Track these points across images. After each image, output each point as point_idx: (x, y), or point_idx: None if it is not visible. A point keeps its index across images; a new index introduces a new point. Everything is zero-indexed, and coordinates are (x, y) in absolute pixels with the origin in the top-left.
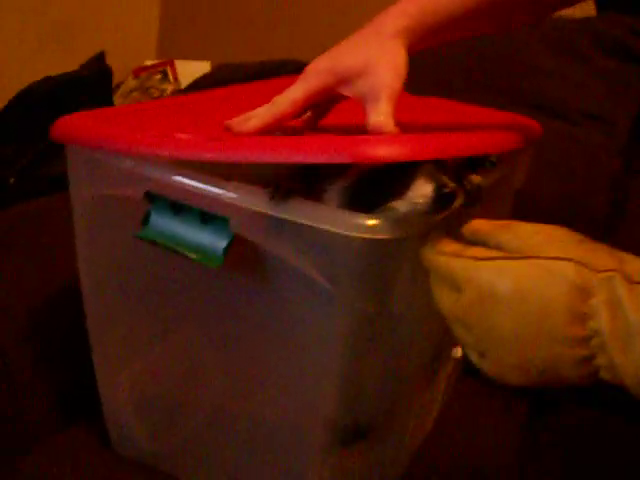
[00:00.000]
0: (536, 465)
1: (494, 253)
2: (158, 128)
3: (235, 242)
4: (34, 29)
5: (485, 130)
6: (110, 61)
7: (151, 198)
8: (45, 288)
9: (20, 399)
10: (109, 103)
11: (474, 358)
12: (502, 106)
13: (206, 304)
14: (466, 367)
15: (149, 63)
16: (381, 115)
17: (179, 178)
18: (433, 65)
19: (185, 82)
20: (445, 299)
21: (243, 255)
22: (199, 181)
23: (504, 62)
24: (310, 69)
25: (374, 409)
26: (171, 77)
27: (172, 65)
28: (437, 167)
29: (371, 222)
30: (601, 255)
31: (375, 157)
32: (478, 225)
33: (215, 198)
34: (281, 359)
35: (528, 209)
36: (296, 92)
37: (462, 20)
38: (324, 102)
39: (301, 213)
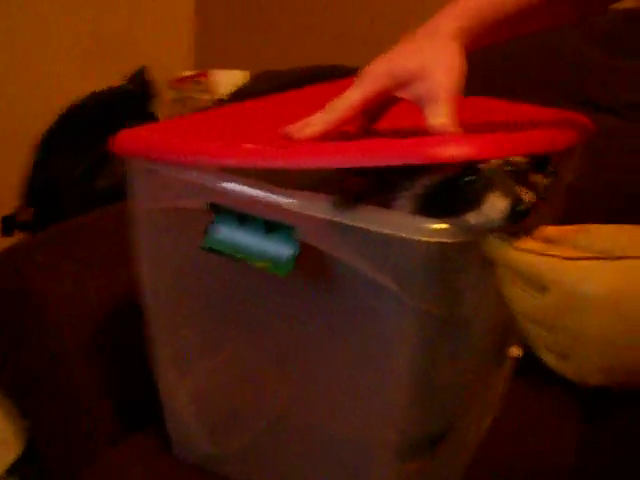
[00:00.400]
0: (597, 466)
1: (582, 253)
2: (220, 138)
3: (302, 250)
4: (79, 45)
5: (542, 128)
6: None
7: (216, 209)
8: (106, 299)
9: (83, 410)
10: (151, 116)
11: (552, 360)
12: (550, 102)
13: (271, 312)
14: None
15: (186, 74)
16: (441, 117)
17: (244, 188)
18: (477, 63)
19: (222, 92)
20: (524, 299)
21: (310, 262)
22: (263, 190)
23: (551, 57)
24: (367, 72)
25: (444, 418)
26: (209, 87)
27: (209, 75)
28: (512, 177)
29: (438, 226)
30: None
31: (447, 157)
32: (551, 232)
33: (279, 207)
34: (349, 367)
35: (578, 203)
36: (354, 96)
37: (518, 17)
38: (378, 106)
39: (367, 219)
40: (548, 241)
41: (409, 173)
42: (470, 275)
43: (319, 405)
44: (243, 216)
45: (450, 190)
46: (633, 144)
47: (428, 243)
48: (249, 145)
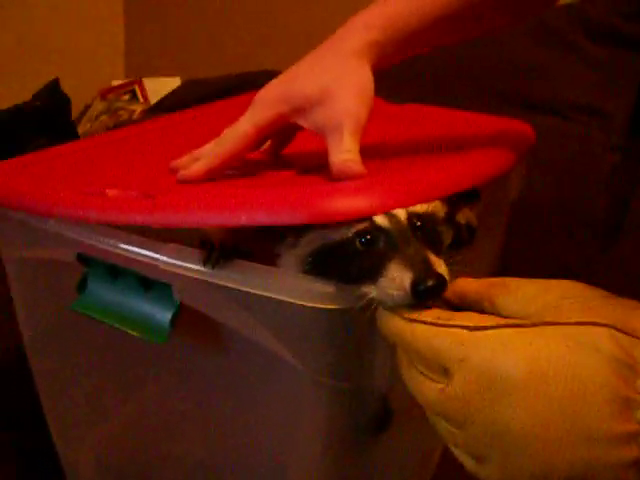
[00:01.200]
0: None
1: (495, 320)
2: (91, 178)
3: (182, 312)
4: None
5: (472, 152)
6: (75, 84)
7: (85, 261)
8: None
9: None
10: (71, 131)
11: (468, 463)
12: (492, 106)
13: (156, 375)
14: None
15: (116, 83)
16: (345, 152)
17: (109, 240)
18: (417, 70)
19: (155, 100)
20: (425, 386)
21: (192, 326)
22: (132, 244)
23: (490, 61)
24: (260, 98)
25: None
26: (140, 96)
27: (140, 84)
28: (425, 234)
29: (327, 289)
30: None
31: (336, 214)
32: (464, 285)
33: (153, 263)
34: (250, 432)
35: (525, 218)
36: (244, 126)
37: (434, 28)
38: (279, 133)
39: (243, 279)
40: (462, 299)
41: (299, 228)
42: (379, 342)
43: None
44: (116, 270)
45: (343, 252)
46: (578, 148)
47: (315, 309)
48: (112, 192)
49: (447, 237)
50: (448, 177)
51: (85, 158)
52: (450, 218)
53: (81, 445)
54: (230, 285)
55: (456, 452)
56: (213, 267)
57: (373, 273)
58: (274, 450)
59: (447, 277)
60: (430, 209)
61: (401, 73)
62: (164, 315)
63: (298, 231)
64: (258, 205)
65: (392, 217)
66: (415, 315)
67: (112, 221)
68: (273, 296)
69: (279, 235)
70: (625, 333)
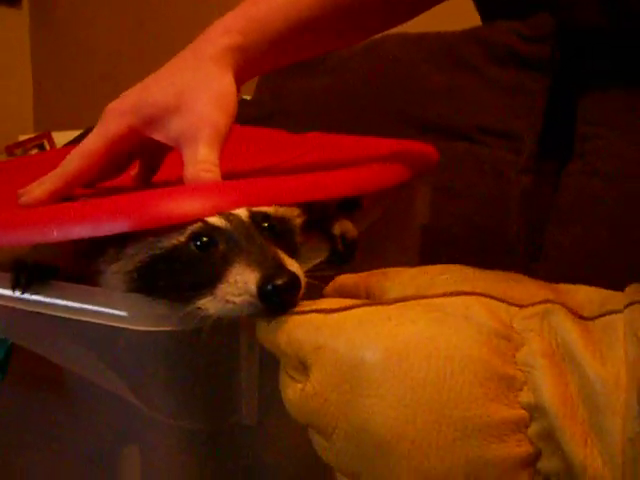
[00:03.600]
0: None
1: (354, 301)
2: None
3: (15, 353)
4: None
5: (352, 168)
6: None
7: None
8: None
9: None
10: None
11: None
12: (400, 133)
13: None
14: None
15: (23, 138)
16: (199, 163)
17: None
18: (317, 96)
19: None
20: (289, 389)
21: (28, 370)
22: None
23: (392, 86)
24: (109, 110)
25: None
26: (49, 149)
27: (49, 137)
28: (271, 243)
29: (158, 308)
30: (525, 285)
31: (160, 217)
32: (343, 279)
33: None
34: None
35: (440, 244)
36: (91, 142)
37: (301, 33)
38: (148, 148)
39: (60, 302)
40: (340, 294)
41: (122, 239)
42: (241, 368)
43: None
44: None
45: (176, 260)
46: (488, 171)
47: (148, 332)
48: None
49: (320, 251)
50: (302, 185)
51: None
52: (324, 229)
53: None
54: (47, 312)
55: (337, 476)
56: (23, 291)
57: (212, 282)
58: None
59: (302, 278)
60: (280, 212)
61: (306, 103)
62: None
63: (121, 243)
64: (70, 217)
65: (230, 216)
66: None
67: None
68: (96, 321)
69: (100, 250)
70: (502, 301)
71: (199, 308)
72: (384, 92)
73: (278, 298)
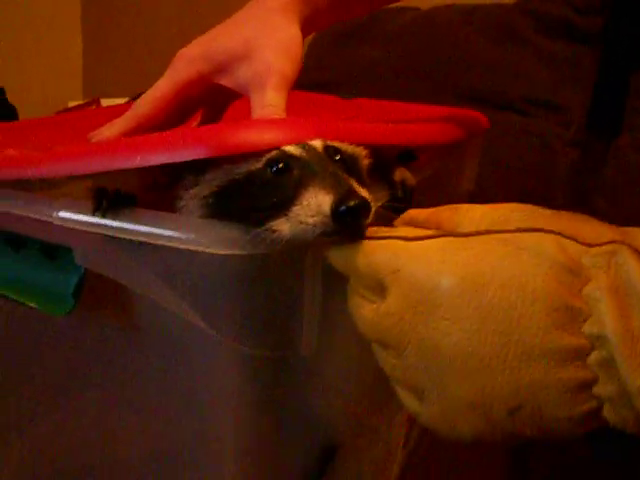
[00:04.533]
0: None
1: (434, 231)
2: None
3: (88, 280)
4: None
5: (412, 123)
6: (31, 106)
7: None
8: None
9: None
10: None
11: (411, 404)
12: (444, 103)
13: (70, 354)
14: None
15: (73, 104)
16: (267, 107)
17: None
18: (365, 67)
19: None
20: (362, 309)
21: (99, 296)
22: (24, 201)
23: (441, 58)
24: (180, 56)
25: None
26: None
27: (98, 104)
28: (345, 167)
29: (233, 232)
30: (593, 225)
31: (240, 145)
32: (414, 214)
33: (47, 223)
34: (173, 416)
35: None
36: (161, 87)
37: None
38: (212, 97)
39: (138, 226)
40: (409, 225)
41: (200, 166)
42: (304, 298)
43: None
44: (17, 241)
45: (252, 185)
46: (536, 143)
47: (221, 256)
48: (10, 152)
49: (380, 196)
50: (372, 129)
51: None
52: (384, 176)
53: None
54: (125, 236)
55: (399, 392)
56: (103, 215)
57: (286, 204)
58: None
59: (372, 203)
60: (350, 150)
61: (354, 74)
62: (68, 284)
63: (199, 170)
64: (153, 144)
65: (306, 146)
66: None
67: (7, 177)
68: (172, 245)
69: (179, 177)
70: (572, 239)
71: (273, 230)
72: (433, 64)
73: (350, 219)
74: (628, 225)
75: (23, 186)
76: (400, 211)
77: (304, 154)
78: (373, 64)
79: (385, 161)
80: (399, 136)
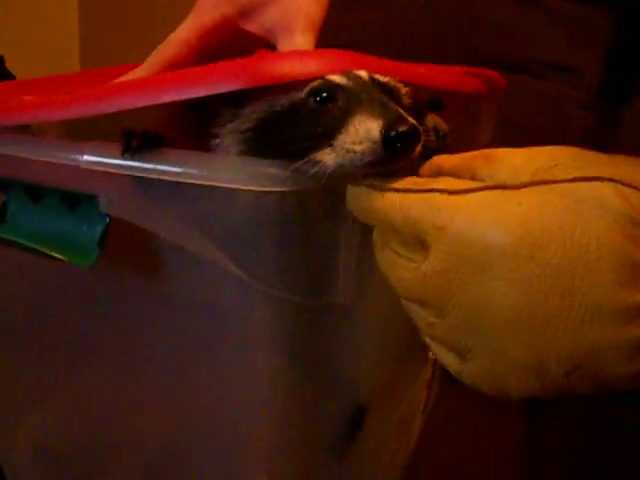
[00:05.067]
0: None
1: (478, 183)
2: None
3: (112, 229)
4: None
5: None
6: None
7: (2, 188)
8: None
9: None
10: None
11: (451, 362)
12: (457, 64)
13: (99, 321)
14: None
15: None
16: (297, 48)
17: (15, 146)
18: (374, 30)
19: None
20: (400, 268)
21: (124, 246)
22: (41, 147)
23: (451, 20)
24: None
25: (344, 417)
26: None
27: None
28: (388, 97)
29: (272, 168)
30: None
31: (283, 74)
32: (442, 160)
33: (72, 169)
34: (202, 375)
35: None
36: (186, 29)
37: None
38: (237, 45)
39: (169, 166)
40: (438, 174)
41: (238, 100)
42: (340, 243)
43: (181, 425)
44: (36, 190)
45: (295, 117)
46: (550, 106)
47: (259, 193)
48: (28, 98)
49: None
50: (408, 66)
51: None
52: (418, 118)
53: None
54: (156, 177)
55: (437, 350)
56: (132, 155)
57: (331, 133)
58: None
59: (420, 129)
60: (394, 84)
61: (363, 37)
62: (92, 234)
63: (238, 104)
64: (187, 77)
65: (352, 75)
66: (388, 184)
67: (28, 119)
68: (205, 183)
69: (214, 112)
70: (634, 188)
71: (316, 161)
72: (443, 25)
73: (401, 146)
74: None
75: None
76: (439, 153)
77: (350, 83)
78: (382, 27)
79: (417, 106)
80: (435, 80)
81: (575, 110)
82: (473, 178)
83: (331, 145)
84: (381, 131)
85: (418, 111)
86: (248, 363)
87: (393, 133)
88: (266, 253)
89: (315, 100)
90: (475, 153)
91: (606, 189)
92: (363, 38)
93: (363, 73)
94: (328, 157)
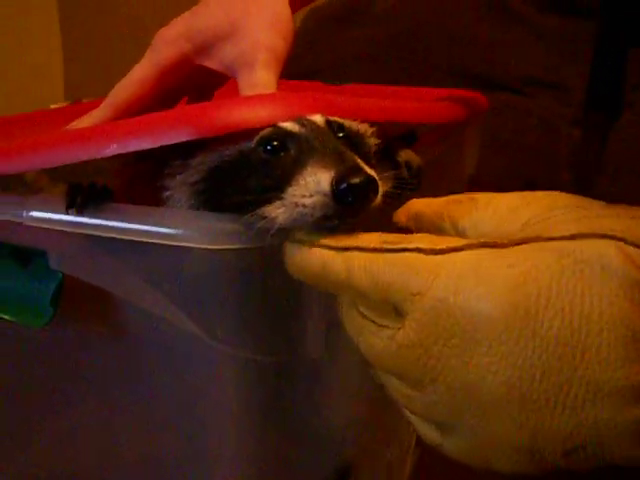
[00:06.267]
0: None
1: (461, 240)
2: None
3: (67, 287)
4: None
5: (413, 101)
6: (16, 106)
7: None
8: None
9: None
10: None
11: (429, 435)
12: (440, 84)
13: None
14: None
15: (54, 107)
16: (257, 86)
17: None
18: (357, 48)
19: None
20: (370, 334)
21: (80, 304)
22: None
23: (435, 37)
24: (160, 36)
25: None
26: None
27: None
28: (350, 145)
29: (226, 224)
30: None
31: (229, 124)
32: (420, 205)
33: (17, 225)
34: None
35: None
36: (141, 70)
37: None
38: (196, 82)
39: (118, 223)
40: (416, 222)
41: (188, 150)
42: (306, 294)
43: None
44: None
45: (244, 167)
46: (537, 124)
47: (212, 252)
48: None
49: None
50: (376, 105)
51: None
52: (388, 155)
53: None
54: (103, 234)
55: (413, 420)
56: (78, 212)
57: (281, 186)
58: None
59: (379, 182)
60: (355, 127)
61: (347, 55)
62: (45, 292)
63: (186, 155)
64: (133, 127)
65: (305, 121)
66: (350, 241)
67: None
68: (157, 241)
69: (164, 163)
70: (635, 245)
71: (263, 216)
72: (427, 43)
73: (354, 200)
74: (631, 202)
75: None
76: (413, 189)
77: (303, 130)
78: (364, 47)
79: (387, 141)
80: (403, 113)
81: (564, 126)
82: (455, 226)
83: (281, 198)
84: (332, 183)
85: (388, 149)
86: (218, 421)
87: (344, 185)
88: (226, 310)
89: (265, 150)
90: (456, 198)
91: (609, 248)
92: (346, 58)
93: (318, 118)
94: (277, 212)
